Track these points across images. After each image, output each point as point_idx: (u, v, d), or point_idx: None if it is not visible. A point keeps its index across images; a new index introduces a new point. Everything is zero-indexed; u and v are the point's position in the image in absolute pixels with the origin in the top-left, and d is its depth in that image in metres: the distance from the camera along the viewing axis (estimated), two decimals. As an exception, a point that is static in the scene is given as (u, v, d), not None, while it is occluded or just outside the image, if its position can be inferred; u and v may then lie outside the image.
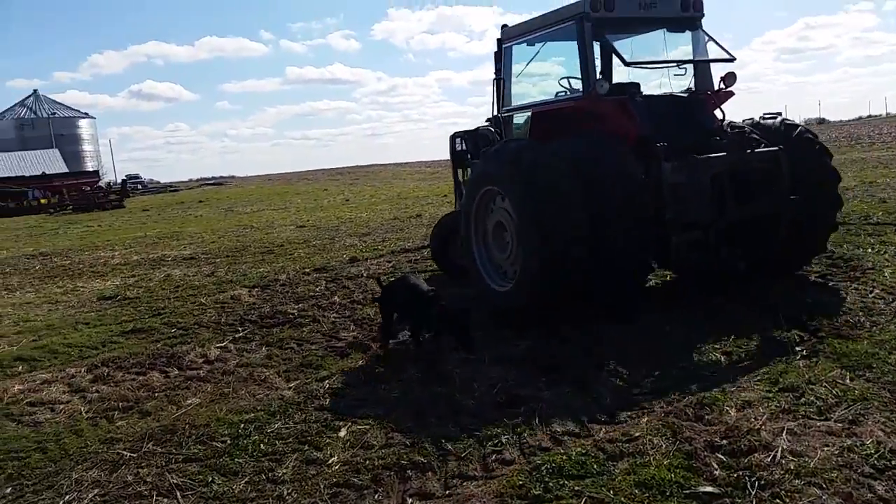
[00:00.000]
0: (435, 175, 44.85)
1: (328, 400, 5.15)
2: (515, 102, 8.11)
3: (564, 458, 3.90)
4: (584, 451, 3.98)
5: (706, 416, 4.35)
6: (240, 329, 7.57)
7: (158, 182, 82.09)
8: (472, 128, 9.65)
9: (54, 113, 71.67)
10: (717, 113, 7.32)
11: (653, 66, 7.37)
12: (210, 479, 4.01)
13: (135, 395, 5.56)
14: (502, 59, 8.09)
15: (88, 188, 43.89)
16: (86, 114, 76.70)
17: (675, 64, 7.34)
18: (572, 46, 7.05)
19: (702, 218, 6.43)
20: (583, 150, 6.43)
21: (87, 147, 73.41)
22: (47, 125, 69.31)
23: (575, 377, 5.20)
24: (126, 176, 68.07)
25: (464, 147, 9.74)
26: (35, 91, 74.53)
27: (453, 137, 10.03)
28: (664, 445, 4.00)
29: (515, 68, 8.06)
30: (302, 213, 23.56)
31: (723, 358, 5.41)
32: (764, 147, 6.88)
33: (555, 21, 7.24)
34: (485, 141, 9.15)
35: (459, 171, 9.95)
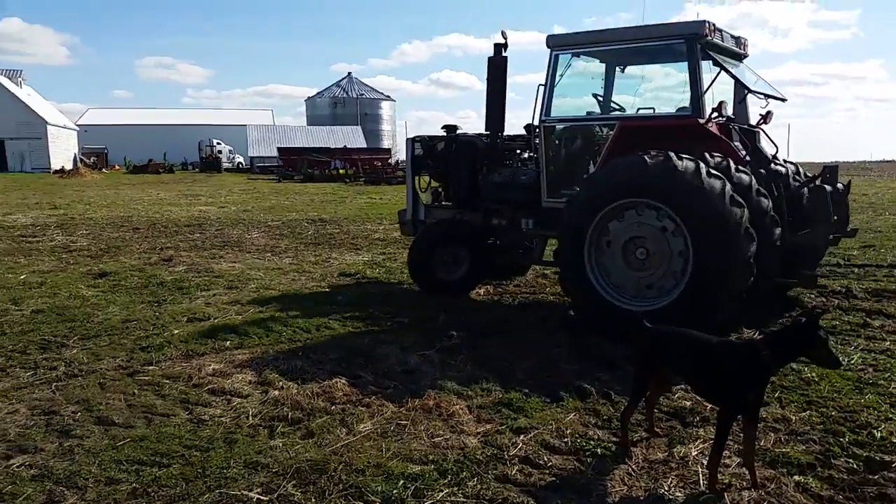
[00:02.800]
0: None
1: (516, 468, 3.84)
2: (560, 114, 7.77)
3: None
4: None
5: None
6: (454, 333, 6.59)
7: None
8: (443, 134, 9.22)
9: (362, 94, 79.67)
10: (767, 144, 7.71)
11: (767, 97, 7.62)
12: (332, 562, 2.98)
13: (310, 405, 4.80)
14: (548, 67, 7.58)
15: (379, 163, 47.40)
16: (387, 97, 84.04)
17: (777, 98, 7.73)
18: (680, 65, 7.33)
19: (822, 236, 6.98)
20: (723, 166, 6.50)
21: (385, 126, 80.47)
22: (355, 105, 77.39)
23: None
24: (415, 155, 72.69)
25: (422, 153, 9.33)
26: (349, 74, 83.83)
27: (412, 142, 9.50)
28: None
29: (562, 79, 7.67)
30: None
31: None
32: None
33: (649, 37, 7.21)
34: (470, 148, 8.68)
35: (417, 178, 9.42)
